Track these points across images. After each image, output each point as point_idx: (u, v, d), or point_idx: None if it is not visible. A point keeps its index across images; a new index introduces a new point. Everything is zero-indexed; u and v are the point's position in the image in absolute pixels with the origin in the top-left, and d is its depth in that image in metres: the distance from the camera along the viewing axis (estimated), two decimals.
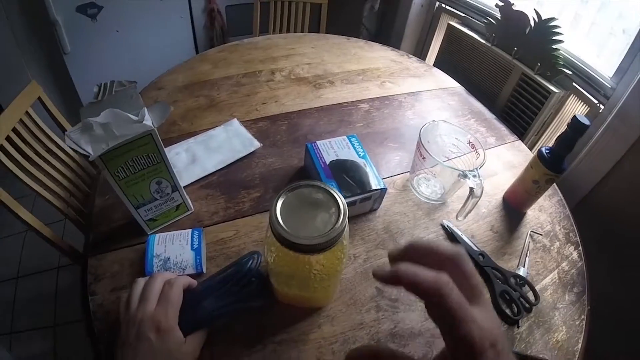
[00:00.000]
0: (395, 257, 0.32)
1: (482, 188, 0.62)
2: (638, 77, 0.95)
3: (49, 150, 1.01)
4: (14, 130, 0.93)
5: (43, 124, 1.02)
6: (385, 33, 1.82)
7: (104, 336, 0.52)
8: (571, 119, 0.63)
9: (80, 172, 1.08)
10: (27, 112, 0.97)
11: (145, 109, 0.54)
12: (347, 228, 0.41)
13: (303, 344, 0.54)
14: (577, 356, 0.58)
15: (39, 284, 1.66)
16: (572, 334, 0.60)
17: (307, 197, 0.43)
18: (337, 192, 0.42)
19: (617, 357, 1.02)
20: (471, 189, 0.62)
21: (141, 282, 0.49)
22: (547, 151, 0.68)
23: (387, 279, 0.27)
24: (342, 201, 0.41)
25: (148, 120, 0.53)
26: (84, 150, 0.49)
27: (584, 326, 0.62)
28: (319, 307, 0.58)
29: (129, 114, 0.53)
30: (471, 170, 0.63)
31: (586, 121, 0.61)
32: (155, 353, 0.43)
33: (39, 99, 1.02)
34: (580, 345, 0.59)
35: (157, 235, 0.61)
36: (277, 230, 0.39)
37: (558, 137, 0.66)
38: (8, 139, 0.90)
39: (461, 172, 0.63)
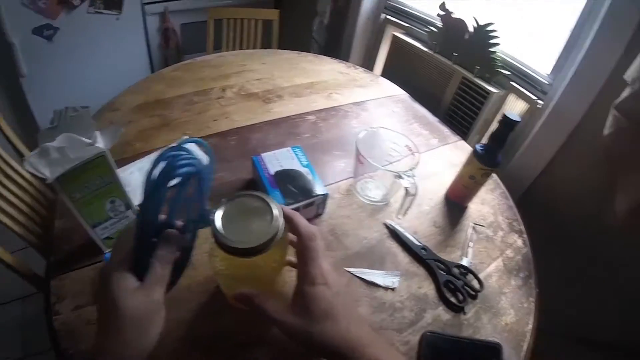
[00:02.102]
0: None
1: (417, 187, 0.66)
2: (571, 73, 1.01)
3: (6, 175, 0.97)
4: None
5: (0, 149, 0.99)
6: (335, 46, 1.87)
7: (69, 353, 0.52)
8: (501, 117, 0.67)
9: (38, 197, 1.05)
10: None
11: (97, 132, 0.57)
12: (284, 229, 0.44)
13: (263, 344, 0.55)
14: (528, 336, 0.61)
15: (3, 315, 1.60)
16: (521, 316, 0.63)
17: (245, 205, 0.45)
18: (270, 198, 0.45)
19: (570, 334, 1.08)
20: (406, 189, 0.66)
21: None
22: (480, 148, 0.73)
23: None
24: (275, 206, 0.44)
25: (100, 143, 0.55)
26: (42, 173, 0.51)
27: (532, 308, 0.65)
28: None
29: (82, 138, 0.55)
30: (405, 172, 0.67)
31: (516, 117, 0.66)
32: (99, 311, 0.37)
33: None
34: (530, 326, 0.62)
35: None
36: (218, 238, 0.42)
37: (491, 134, 0.71)
38: None
39: (396, 174, 0.67)
